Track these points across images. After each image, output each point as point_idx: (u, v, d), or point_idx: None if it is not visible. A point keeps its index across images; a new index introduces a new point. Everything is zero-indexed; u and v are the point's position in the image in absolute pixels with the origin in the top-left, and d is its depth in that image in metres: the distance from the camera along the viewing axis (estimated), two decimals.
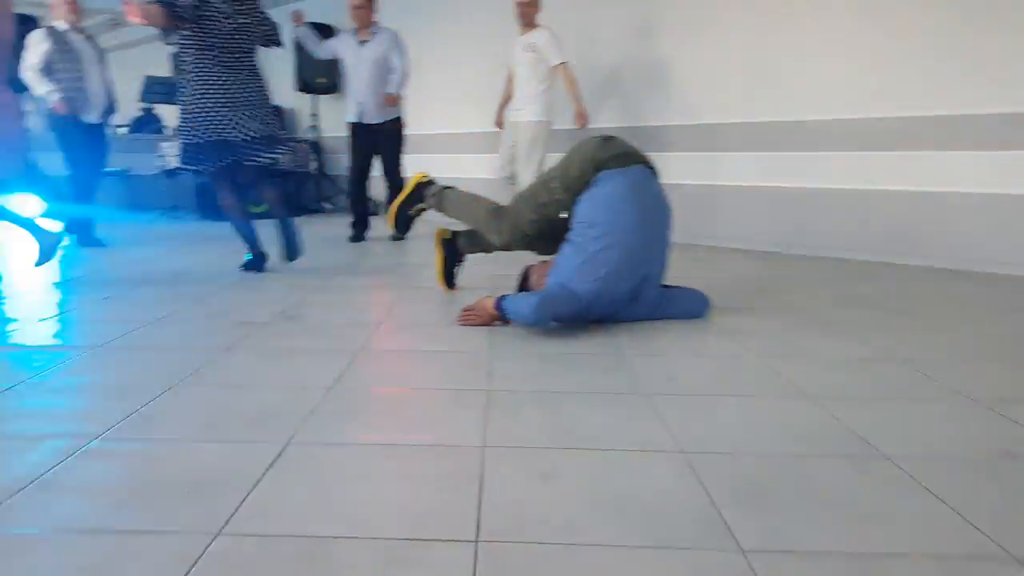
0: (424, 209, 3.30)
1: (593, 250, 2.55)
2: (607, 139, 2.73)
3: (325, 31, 7.73)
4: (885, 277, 3.94)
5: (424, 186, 3.26)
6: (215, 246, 4.99)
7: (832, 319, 2.91)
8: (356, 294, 3.44)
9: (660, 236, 2.68)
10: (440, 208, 3.21)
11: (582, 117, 4.82)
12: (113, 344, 2.47)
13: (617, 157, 2.65)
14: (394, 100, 5.23)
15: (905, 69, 4.21)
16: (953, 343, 2.59)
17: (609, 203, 2.57)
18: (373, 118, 5.24)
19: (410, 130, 5.51)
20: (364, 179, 5.43)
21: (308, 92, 7.97)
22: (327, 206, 8.13)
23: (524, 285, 2.92)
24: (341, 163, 8.04)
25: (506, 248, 3.01)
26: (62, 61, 4.72)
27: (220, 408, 1.86)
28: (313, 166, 8.06)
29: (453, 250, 3.32)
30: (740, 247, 4.97)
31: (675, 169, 4.96)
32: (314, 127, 8.21)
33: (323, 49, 5.29)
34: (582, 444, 1.65)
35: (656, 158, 2.88)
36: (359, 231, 5.47)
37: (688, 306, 2.82)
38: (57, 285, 3.60)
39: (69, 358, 2.30)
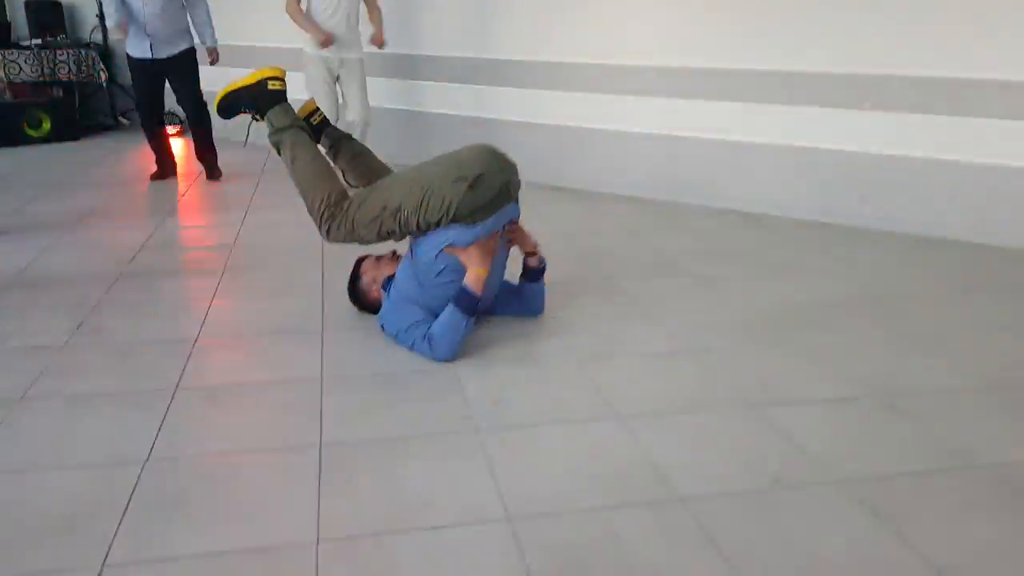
0: (257, 119, 2.80)
1: (436, 284, 2.53)
2: (474, 184, 2.43)
3: None
4: (690, 223, 4.21)
5: (270, 95, 2.73)
6: None
7: (647, 293, 3.11)
8: (166, 280, 3.21)
9: (500, 263, 2.68)
10: (277, 146, 2.75)
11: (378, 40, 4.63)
12: None
13: (482, 209, 2.47)
14: (217, 56, 4.95)
15: (712, 25, 4.31)
16: (747, 318, 2.85)
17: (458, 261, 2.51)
18: (162, 52, 4.70)
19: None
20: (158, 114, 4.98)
21: None
22: (123, 121, 7.34)
23: (355, 279, 2.82)
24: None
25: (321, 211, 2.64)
26: None
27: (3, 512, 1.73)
28: (103, 76, 7.16)
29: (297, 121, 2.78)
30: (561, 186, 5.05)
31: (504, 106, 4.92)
32: (101, 30, 7.21)
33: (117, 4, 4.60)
34: (416, 521, 1.70)
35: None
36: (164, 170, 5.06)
37: (527, 305, 2.87)
38: None
39: None
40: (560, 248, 3.74)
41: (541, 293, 2.86)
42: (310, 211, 2.67)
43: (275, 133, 2.72)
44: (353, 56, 4.65)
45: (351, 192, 2.71)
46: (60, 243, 3.69)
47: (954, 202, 3.94)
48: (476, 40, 5.15)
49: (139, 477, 1.84)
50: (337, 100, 4.74)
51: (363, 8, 4.66)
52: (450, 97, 5.36)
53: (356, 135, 4.40)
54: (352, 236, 2.61)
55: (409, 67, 5.55)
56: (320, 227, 2.65)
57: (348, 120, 4.73)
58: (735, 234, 4.08)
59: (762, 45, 4.22)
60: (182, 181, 5.11)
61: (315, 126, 2.89)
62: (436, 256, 2.49)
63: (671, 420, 2.14)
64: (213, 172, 5.12)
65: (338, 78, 4.70)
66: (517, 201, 2.62)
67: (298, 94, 3.39)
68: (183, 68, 4.83)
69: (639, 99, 4.71)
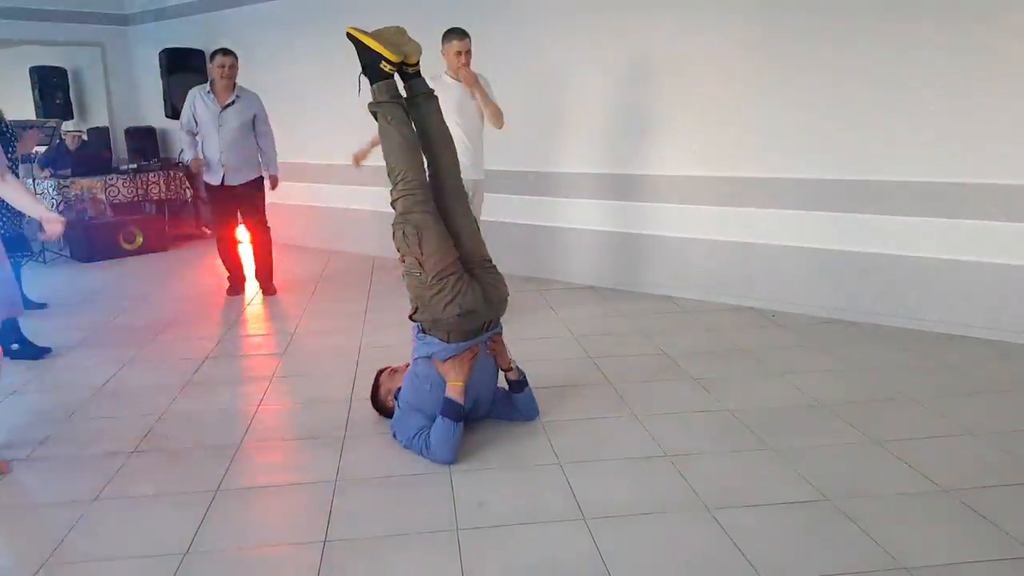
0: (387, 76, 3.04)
1: (428, 392, 2.95)
2: (463, 316, 2.88)
3: (193, 55, 7.76)
4: (704, 321, 4.51)
5: (379, 71, 3.02)
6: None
7: (642, 396, 3.42)
8: (223, 389, 3.71)
9: (487, 372, 3.06)
10: (375, 114, 3.05)
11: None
12: None
13: (460, 334, 2.92)
14: (277, 182, 5.52)
15: (728, 135, 4.72)
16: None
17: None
18: (235, 179, 5.38)
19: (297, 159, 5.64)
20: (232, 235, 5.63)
21: (177, 118, 7.89)
22: (206, 231, 8.18)
23: (376, 390, 3.25)
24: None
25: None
26: None
27: None
28: (189, 193, 8.06)
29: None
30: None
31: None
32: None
33: (190, 143, 5.35)
34: None
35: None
36: (236, 286, 5.70)
37: (520, 411, 3.22)
38: None
39: None
40: (568, 350, 4.11)
41: (530, 400, 3.21)
42: (390, 179, 3.03)
43: (376, 104, 3.06)
44: (479, 179, 4.58)
45: (417, 193, 2.98)
46: (139, 356, 4.28)
47: (969, 300, 4.14)
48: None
49: (178, 568, 2.26)
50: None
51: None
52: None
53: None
54: (399, 220, 2.98)
55: None
56: (391, 195, 3.03)
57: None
58: (746, 333, 4.35)
59: (779, 154, 4.60)
60: (251, 295, 5.71)
61: (408, 74, 3.14)
62: (420, 362, 2.93)
63: (630, 523, 2.42)
64: (267, 288, 5.66)
65: None
66: (498, 322, 3.03)
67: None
68: (251, 195, 5.49)
69: (667, 206, 5.13)
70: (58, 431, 3.28)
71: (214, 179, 5.37)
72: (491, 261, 3.15)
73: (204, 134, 5.29)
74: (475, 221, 3.20)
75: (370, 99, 3.08)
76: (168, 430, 3.27)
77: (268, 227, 5.60)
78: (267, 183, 5.52)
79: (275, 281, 5.71)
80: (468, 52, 4.36)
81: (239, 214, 5.56)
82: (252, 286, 5.75)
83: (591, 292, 5.37)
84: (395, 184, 3.00)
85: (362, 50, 3.04)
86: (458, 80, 4.38)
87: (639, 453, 2.91)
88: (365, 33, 3.04)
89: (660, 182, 5.10)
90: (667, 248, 5.17)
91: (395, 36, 3.06)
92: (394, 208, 3.02)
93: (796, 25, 4.42)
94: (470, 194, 4.34)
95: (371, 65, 3.04)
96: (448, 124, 4.20)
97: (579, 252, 5.59)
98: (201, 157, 5.34)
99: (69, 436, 3.23)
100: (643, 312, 4.84)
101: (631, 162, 5.19)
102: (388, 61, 3.01)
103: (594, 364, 3.90)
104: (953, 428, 3.06)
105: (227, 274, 5.69)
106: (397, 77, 3.11)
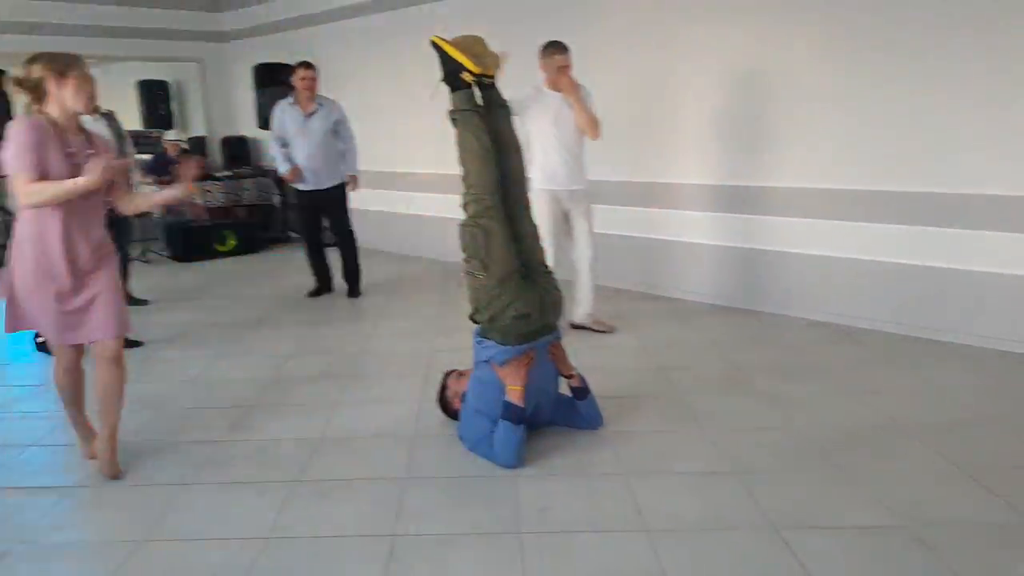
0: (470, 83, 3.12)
1: (491, 396, 3.02)
2: (519, 317, 2.97)
3: (283, 70, 8.11)
4: (780, 337, 4.45)
5: (459, 80, 3.11)
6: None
7: (710, 410, 3.42)
8: (304, 385, 3.89)
9: (546, 376, 3.13)
10: (453, 122, 3.14)
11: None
12: None
13: (515, 337, 3.00)
14: (357, 184, 5.73)
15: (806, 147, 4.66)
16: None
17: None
18: (322, 184, 5.61)
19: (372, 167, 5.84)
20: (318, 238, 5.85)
21: (268, 128, 8.27)
22: (293, 235, 8.52)
23: (443, 392, 3.36)
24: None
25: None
26: None
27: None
28: (276, 198, 8.42)
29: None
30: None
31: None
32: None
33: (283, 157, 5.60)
34: None
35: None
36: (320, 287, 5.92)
37: (584, 419, 3.26)
38: None
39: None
40: (639, 361, 4.12)
41: (593, 408, 3.25)
42: (463, 183, 3.13)
43: (454, 112, 3.13)
44: (579, 188, 4.50)
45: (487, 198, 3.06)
46: (229, 351, 4.52)
47: None
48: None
49: (259, 551, 2.40)
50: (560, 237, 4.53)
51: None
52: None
53: (585, 271, 4.54)
54: (469, 223, 3.07)
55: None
56: (462, 198, 3.12)
57: (572, 258, 4.58)
58: (823, 349, 4.27)
59: (867, 166, 4.49)
60: (334, 296, 5.93)
61: (484, 84, 3.17)
62: (481, 366, 3.04)
63: (694, 538, 2.42)
64: (353, 291, 5.87)
65: (567, 213, 4.53)
66: (556, 330, 3.12)
67: None
68: (337, 199, 5.72)
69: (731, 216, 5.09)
70: (153, 418, 3.51)
71: (302, 185, 5.62)
72: (548, 267, 3.23)
73: (291, 142, 5.56)
74: (536, 227, 3.27)
75: (448, 107, 3.18)
76: (254, 422, 3.45)
77: (353, 231, 5.81)
78: (348, 185, 5.74)
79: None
80: (568, 67, 4.29)
81: (325, 219, 5.78)
82: (339, 288, 5.95)
83: (651, 300, 5.35)
84: (468, 188, 3.10)
85: (445, 59, 3.15)
86: (556, 92, 4.33)
87: (705, 468, 2.91)
88: (448, 42, 3.15)
89: (754, 193, 5.05)
90: (738, 260, 5.12)
91: (476, 46, 3.16)
92: (464, 210, 3.12)
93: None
94: (572, 204, 4.45)
95: (452, 74, 3.14)
96: (546, 135, 4.37)
97: (652, 263, 5.59)
98: (296, 167, 5.59)
99: (163, 423, 3.46)
100: (718, 325, 4.80)
101: (743, 173, 5.13)
102: (469, 71, 3.10)
103: (664, 376, 3.91)
104: None
105: (313, 276, 5.91)
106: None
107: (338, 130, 5.61)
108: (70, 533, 2.57)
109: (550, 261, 4.04)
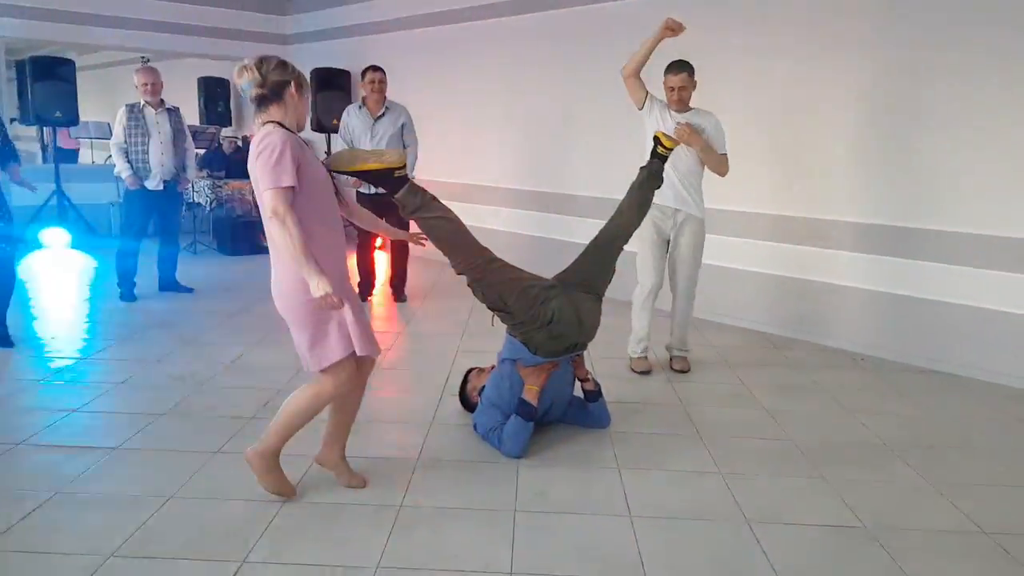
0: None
1: (508, 391, 3.27)
2: (554, 338, 3.16)
3: (339, 75, 8.52)
4: (789, 358, 4.61)
5: (396, 181, 3.10)
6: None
7: (710, 420, 3.61)
8: None
9: (563, 379, 3.34)
10: (412, 219, 3.19)
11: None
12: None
13: (547, 352, 3.20)
14: None
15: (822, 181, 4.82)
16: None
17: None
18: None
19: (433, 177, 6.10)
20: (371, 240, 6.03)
21: (322, 131, 8.70)
22: None
23: (464, 386, 3.62)
24: (353, 195, 8.79)
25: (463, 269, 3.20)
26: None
27: None
28: None
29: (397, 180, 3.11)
30: None
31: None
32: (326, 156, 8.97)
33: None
34: (442, 565, 2.36)
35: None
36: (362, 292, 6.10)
37: (593, 419, 3.48)
38: None
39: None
40: (652, 373, 4.32)
41: (603, 409, 3.47)
42: (451, 263, 3.25)
43: (412, 212, 3.17)
44: (685, 211, 4.27)
45: (477, 260, 3.21)
46: (266, 338, 4.84)
47: None
48: None
49: (276, 512, 2.68)
50: (663, 267, 4.39)
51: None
52: None
53: (677, 299, 4.42)
54: (473, 286, 3.24)
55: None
56: (458, 274, 3.26)
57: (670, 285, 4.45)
58: (828, 372, 4.43)
59: (883, 203, 4.64)
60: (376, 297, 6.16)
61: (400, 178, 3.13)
62: (505, 363, 3.24)
63: (671, 525, 2.64)
64: (399, 295, 6.08)
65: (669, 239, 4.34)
66: (585, 345, 3.34)
67: None
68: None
69: (760, 243, 5.28)
70: (192, 395, 3.83)
71: (364, 188, 5.65)
72: (602, 295, 3.40)
73: (357, 145, 5.67)
74: (610, 254, 3.46)
75: (403, 212, 3.21)
76: (282, 402, 3.74)
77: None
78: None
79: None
80: (682, 88, 4.11)
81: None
82: (382, 291, 6.21)
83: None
84: (456, 265, 3.23)
85: (366, 177, 3.13)
86: (676, 112, 4.17)
87: (694, 468, 3.11)
88: (350, 167, 3.02)
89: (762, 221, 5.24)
90: (756, 284, 5.29)
91: (369, 155, 3.10)
92: (461, 275, 3.26)
93: None
94: (675, 227, 4.25)
95: (385, 181, 3.10)
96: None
97: None
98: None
99: (200, 400, 3.77)
100: (730, 344, 4.98)
101: (791, 203, 5.31)
102: (397, 168, 3.06)
103: (672, 388, 4.11)
104: (1015, 479, 3.08)
105: (358, 279, 6.01)
106: None
107: (403, 133, 5.76)
108: (106, 486, 2.87)
109: (643, 284, 4.31)
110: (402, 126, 5.78)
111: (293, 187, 2.41)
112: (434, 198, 3.21)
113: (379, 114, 5.71)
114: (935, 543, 2.57)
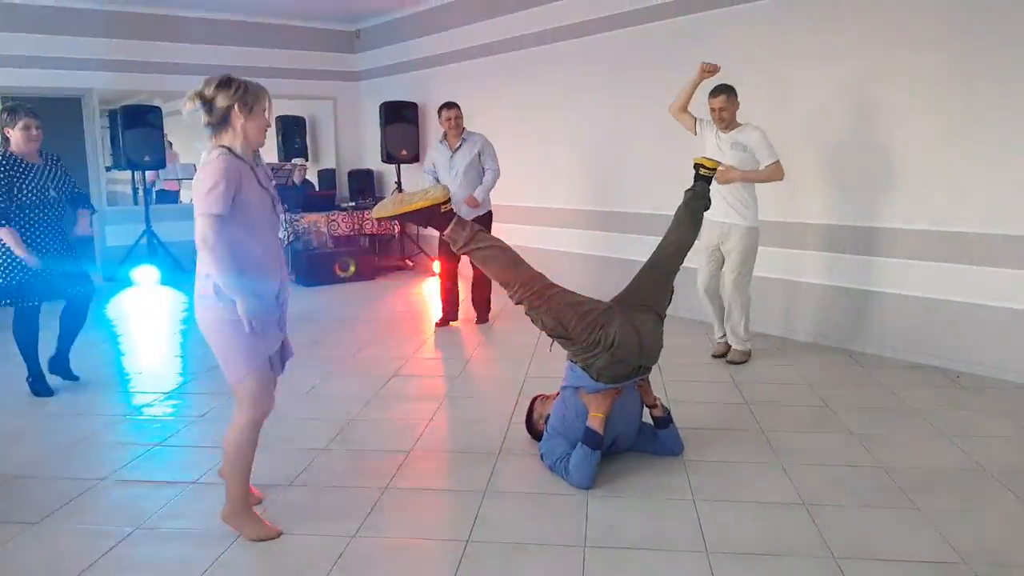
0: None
1: (573, 419, 3.19)
2: (616, 362, 3.08)
3: (407, 107, 8.70)
4: (880, 378, 4.37)
5: (442, 216, 3.17)
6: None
7: (794, 445, 3.43)
8: (402, 403, 4.19)
9: (631, 406, 3.25)
10: (464, 253, 3.24)
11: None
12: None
13: (610, 377, 3.12)
14: (476, 203, 5.87)
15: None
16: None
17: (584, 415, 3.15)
18: (468, 215, 5.91)
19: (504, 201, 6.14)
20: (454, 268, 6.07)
21: (391, 163, 8.87)
22: (409, 264, 9.01)
23: (530, 414, 3.56)
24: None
25: (515, 290, 3.15)
26: None
27: None
28: (396, 229, 8.95)
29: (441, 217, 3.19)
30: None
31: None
32: (397, 191, 9.13)
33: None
34: None
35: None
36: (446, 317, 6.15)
37: (664, 447, 3.37)
38: None
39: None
40: (728, 395, 4.17)
41: (674, 436, 3.35)
42: (507, 291, 3.22)
43: (463, 246, 3.22)
44: (731, 223, 4.65)
45: (534, 286, 3.15)
46: (340, 369, 4.91)
47: None
48: None
49: (346, 547, 2.67)
50: (714, 270, 4.82)
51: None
52: None
53: (726, 302, 4.78)
54: (531, 315, 3.18)
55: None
56: (516, 303, 3.21)
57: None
58: (922, 392, 4.17)
59: (980, 208, 4.39)
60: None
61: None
62: (568, 390, 3.17)
63: (751, 562, 2.50)
64: (481, 318, 6.13)
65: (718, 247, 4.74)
66: (649, 368, 3.23)
67: None
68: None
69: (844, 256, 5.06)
70: (268, 426, 3.87)
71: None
72: (663, 314, 3.33)
73: (441, 177, 5.89)
74: (658, 273, 3.40)
75: (458, 248, 3.24)
76: (353, 434, 3.77)
77: None
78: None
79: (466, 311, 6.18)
80: (723, 108, 4.51)
81: None
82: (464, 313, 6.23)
83: (763, 340, 5.34)
84: (513, 294, 3.19)
85: (414, 216, 3.20)
86: (721, 131, 4.62)
87: (776, 499, 2.96)
88: (397, 209, 3.17)
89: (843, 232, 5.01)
90: (844, 300, 5.05)
91: (414, 196, 3.18)
92: (520, 304, 3.21)
93: None
94: (723, 238, 4.63)
95: (432, 218, 3.19)
96: None
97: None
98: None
99: (276, 431, 3.81)
100: (813, 364, 4.76)
101: (852, 214, 5.14)
102: (442, 203, 3.15)
103: (750, 410, 3.94)
104: None
105: (441, 305, 6.10)
106: None
107: (482, 160, 5.86)
108: (183, 522, 2.92)
109: (699, 287, 4.73)
110: (479, 153, 5.87)
111: (222, 215, 2.50)
112: (481, 229, 3.26)
113: (456, 147, 5.86)
114: None
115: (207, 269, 2.57)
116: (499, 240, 3.28)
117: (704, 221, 3.99)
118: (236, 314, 2.58)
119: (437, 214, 3.18)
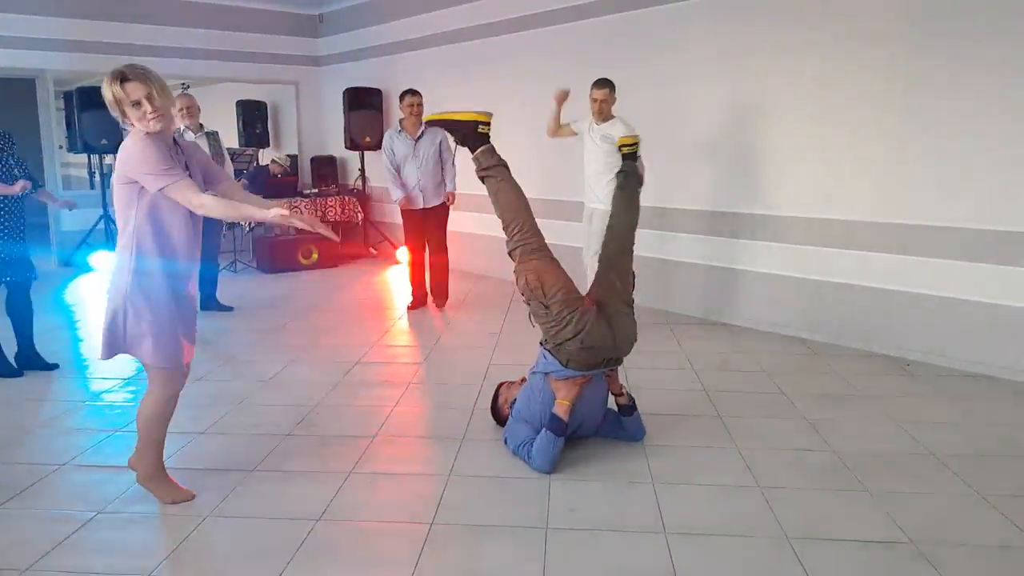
0: (458, 143, 3.38)
1: (539, 405, 3.24)
2: (585, 348, 3.11)
3: (371, 93, 8.63)
4: (832, 366, 4.50)
5: (477, 136, 3.32)
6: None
7: (748, 431, 3.53)
8: (367, 389, 4.20)
9: (597, 394, 3.31)
10: (483, 179, 3.35)
11: None
12: None
13: (579, 365, 3.17)
14: (454, 199, 5.99)
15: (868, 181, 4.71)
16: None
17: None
18: (429, 203, 5.99)
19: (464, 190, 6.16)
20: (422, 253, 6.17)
21: (355, 149, 8.81)
22: (373, 251, 8.97)
23: (495, 399, 3.60)
24: (385, 212, 8.89)
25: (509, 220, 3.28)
26: None
27: None
28: (360, 216, 8.90)
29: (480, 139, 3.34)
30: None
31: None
32: (361, 179, 9.07)
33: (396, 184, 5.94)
34: None
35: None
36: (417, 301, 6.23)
37: (627, 433, 3.43)
38: None
39: None
40: (688, 383, 4.26)
41: (638, 423, 3.42)
42: (506, 232, 3.32)
43: (483, 170, 3.35)
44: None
45: (531, 240, 3.26)
46: (303, 356, 4.89)
47: None
48: None
49: (309, 530, 2.69)
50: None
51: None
52: None
53: None
54: (519, 269, 3.25)
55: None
56: (510, 252, 3.31)
57: None
58: (873, 379, 4.31)
59: (929, 202, 4.53)
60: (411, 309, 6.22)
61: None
62: (537, 376, 3.22)
63: (707, 542, 2.58)
64: (439, 301, 6.21)
65: None
66: (620, 359, 3.29)
67: None
68: (439, 216, 6.06)
69: (797, 247, 5.19)
70: (231, 412, 3.88)
71: (414, 204, 5.93)
72: (631, 304, 3.39)
73: (401, 166, 5.90)
74: (621, 264, 3.46)
75: (476, 167, 3.37)
76: (318, 419, 3.77)
77: (446, 248, 6.14)
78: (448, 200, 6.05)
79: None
80: (603, 101, 5.07)
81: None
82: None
83: (715, 327, 5.46)
84: (511, 236, 3.30)
85: (454, 126, 3.37)
86: (596, 124, 5.14)
87: (732, 482, 3.04)
88: (444, 113, 3.38)
89: (791, 223, 5.14)
90: (798, 289, 5.18)
91: (466, 112, 3.35)
92: (512, 257, 3.32)
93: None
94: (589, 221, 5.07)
95: (469, 134, 3.33)
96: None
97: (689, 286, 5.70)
98: (411, 194, 5.93)
99: (239, 417, 3.82)
100: (769, 352, 4.88)
101: (809, 205, 5.26)
102: (485, 123, 3.31)
103: (710, 398, 4.03)
104: None
105: (411, 289, 6.21)
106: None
107: (441, 152, 5.93)
108: (145, 506, 2.90)
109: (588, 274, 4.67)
110: (440, 142, 5.90)
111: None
112: (507, 168, 3.35)
113: (418, 135, 5.86)
114: (986, 559, 2.47)
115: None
116: (518, 186, 3.35)
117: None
118: (150, 292, 2.71)
119: (473, 132, 3.33)
